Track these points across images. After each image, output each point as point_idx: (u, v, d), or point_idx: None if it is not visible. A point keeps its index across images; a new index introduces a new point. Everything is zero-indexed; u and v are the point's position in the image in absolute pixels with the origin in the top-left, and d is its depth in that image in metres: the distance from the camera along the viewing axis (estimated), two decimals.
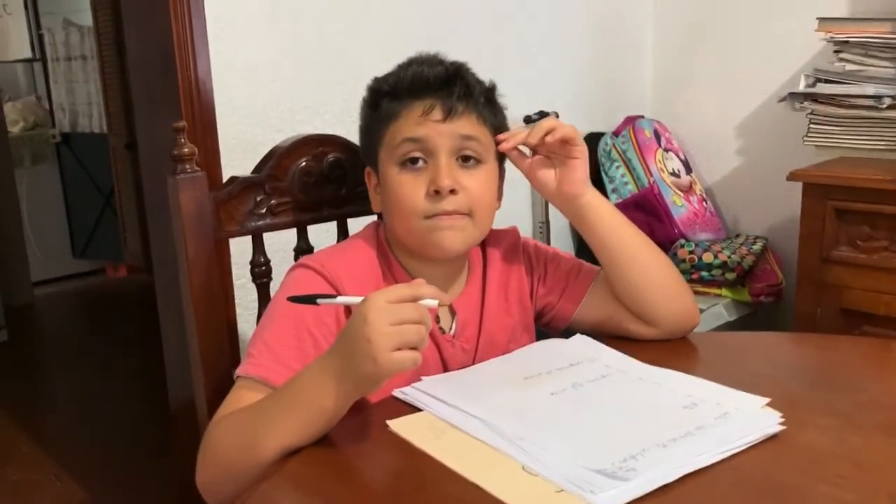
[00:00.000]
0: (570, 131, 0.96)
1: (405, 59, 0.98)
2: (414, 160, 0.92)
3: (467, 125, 0.93)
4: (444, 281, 0.99)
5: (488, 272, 1.03)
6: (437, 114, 0.92)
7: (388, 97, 0.95)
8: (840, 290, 1.67)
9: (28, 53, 4.76)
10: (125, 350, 3.42)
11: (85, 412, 2.85)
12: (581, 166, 0.98)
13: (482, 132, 0.95)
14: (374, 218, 1.07)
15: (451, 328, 0.99)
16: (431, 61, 0.96)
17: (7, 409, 2.84)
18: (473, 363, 0.99)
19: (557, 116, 2.17)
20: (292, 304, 0.84)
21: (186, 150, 0.97)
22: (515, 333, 1.03)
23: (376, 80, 0.99)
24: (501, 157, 1.00)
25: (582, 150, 0.97)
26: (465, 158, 0.93)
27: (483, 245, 1.04)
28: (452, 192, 0.91)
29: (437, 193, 0.90)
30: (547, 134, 0.96)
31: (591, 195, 1.00)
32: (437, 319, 0.98)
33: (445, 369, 0.97)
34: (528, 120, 2.11)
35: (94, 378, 3.16)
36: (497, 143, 0.98)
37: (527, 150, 1.01)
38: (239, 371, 0.87)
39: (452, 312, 0.99)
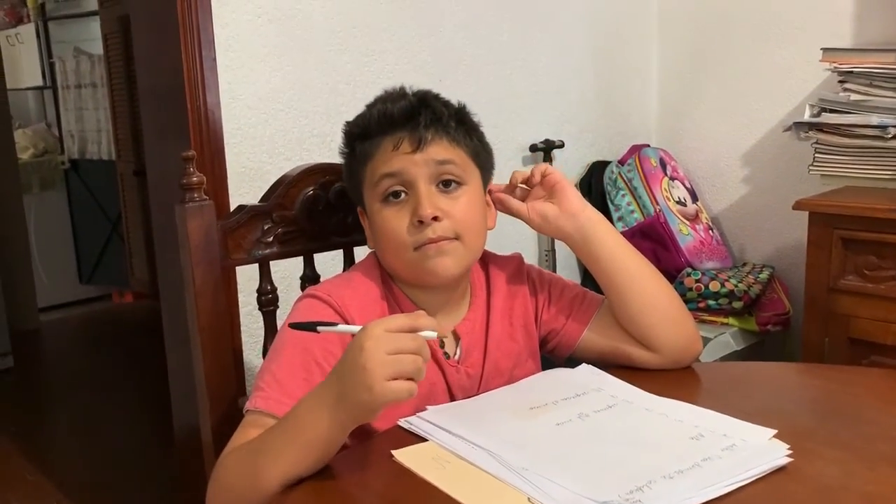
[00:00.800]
0: (547, 167, 1.01)
1: (374, 99, 1.00)
2: (396, 194, 0.93)
3: (440, 150, 0.94)
4: (447, 307, 0.99)
5: (492, 298, 1.03)
6: (407, 146, 0.93)
7: (359, 139, 0.97)
8: (847, 319, 1.66)
9: (39, 81, 4.82)
10: (130, 376, 3.42)
11: (89, 439, 2.84)
12: (571, 188, 1.01)
13: (457, 154, 0.95)
14: None
15: (455, 353, 0.99)
16: (395, 97, 0.97)
17: (11, 434, 2.84)
18: (479, 389, 0.98)
19: (562, 146, 2.18)
20: (300, 336, 0.84)
21: (195, 178, 0.97)
22: (521, 359, 1.03)
23: (347, 124, 1.01)
24: (486, 178, 1.01)
25: (563, 177, 1.01)
26: (446, 183, 0.94)
27: (486, 270, 1.05)
28: (436, 219, 0.91)
29: (420, 223, 0.91)
30: (539, 178, 1.01)
31: (592, 212, 1.02)
32: (442, 344, 0.98)
33: (451, 395, 0.97)
34: (534, 148, 2.13)
35: (98, 404, 3.15)
36: (490, 193, 1.01)
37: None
38: (248, 405, 0.87)
39: (457, 338, 0.99)
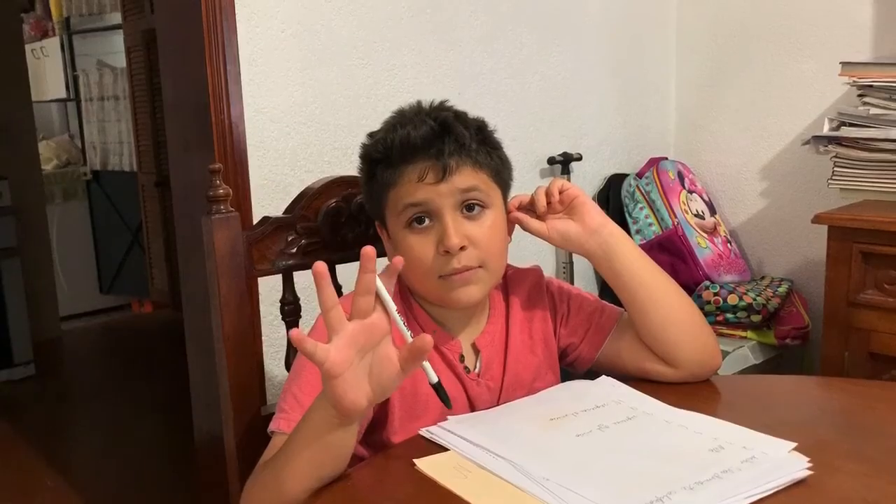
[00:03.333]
0: (564, 183, 1.01)
1: (392, 115, 0.99)
2: (420, 220, 0.93)
3: (464, 178, 0.93)
4: (466, 321, 1.00)
5: (511, 311, 1.04)
6: (432, 177, 0.92)
7: (381, 165, 0.96)
8: (867, 333, 1.65)
9: (63, 94, 4.90)
10: (150, 385, 3.45)
11: (110, 447, 2.87)
12: (590, 204, 1.01)
13: (481, 178, 0.95)
14: None
15: (475, 367, 1.00)
16: (416, 120, 0.95)
17: (33, 442, 2.87)
18: (499, 402, 0.99)
19: (580, 159, 2.19)
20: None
21: (221, 191, 0.99)
22: (540, 372, 1.04)
23: (366, 146, 0.99)
24: (506, 194, 1.01)
25: (582, 191, 1.01)
26: (469, 207, 0.94)
27: (505, 283, 1.05)
28: (462, 248, 0.91)
29: (447, 253, 0.91)
30: (556, 194, 1.01)
31: (613, 227, 1.02)
32: (462, 358, 0.99)
33: (472, 408, 0.98)
34: (552, 161, 2.14)
35: (119, 413, 3.18)
36: (509, 213, 1.01)
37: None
38: (272, 427, 0.88)
39: (476, 351, 1.00)
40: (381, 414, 0.93)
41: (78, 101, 4.78)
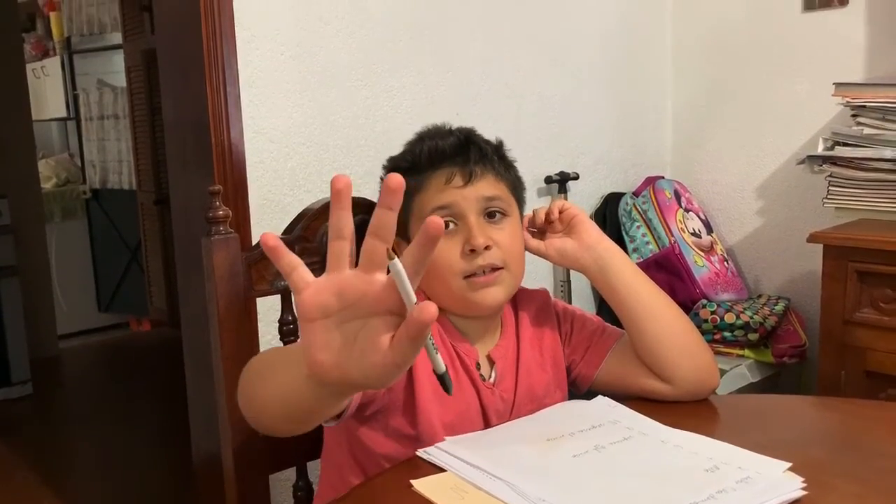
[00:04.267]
0: (564, 204, 1.05)
1: (415, 135, 1.05)
2: (445, 224, 0.97)
3: (487, 186, 0.99)
4: (483, 333, 1.03)
5: (521, 328, 1.06)
6: (459, 180, 0.98)
7: (408, 172, 0.99)
8: (864, 352, 1.66)
9: (63, 113, 4.93)
10: (148, 403, 3.45)
11: (107, 466, 2.86)
12: (588, 221, 1.04)
13: (501, 189, 1.01)
14: None
15: (491, 377, 1.02)
16: (441, 133, 1.03)
17: (30, 462, 2.86)
18: (511, 415, 1.01)
19: (577, 178, 2.21)
20: None
21: (221, 212, 1.00)
22: (550, 389, 1.05)
23: (392, 159, 1.06)
24: (521, 211, 1.06)
25: (581, 210, 1.05)
26: (491, 214, 0.99)
27: (514, 302, 1.07)
28: (486, 248, 0.96)
29: (472, 252, 0.95)
30: (557, 214, 1.05)
31: (609, 244, 1.04)
32: (478, 366, 1.01)
33: (484, 416, 0.99)
34: (550, 180, 2.15)
35: (117, 432, 3.17)
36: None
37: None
38: None
39: (491, 362, 1.03)
40: (403, 401, 0.95)
41: (78, 119, 4.80)
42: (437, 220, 0.56)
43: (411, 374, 0.95)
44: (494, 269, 0.96)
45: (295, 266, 0.60)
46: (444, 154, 0.99)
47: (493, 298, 0.97)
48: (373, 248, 0.57)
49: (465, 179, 0.98)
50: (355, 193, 1.11)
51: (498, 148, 1.05)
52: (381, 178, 1.07)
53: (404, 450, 0.92)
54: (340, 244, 0.58)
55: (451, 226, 0.97)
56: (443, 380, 0.64)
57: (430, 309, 0.55)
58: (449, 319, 1.01)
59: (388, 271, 0.57)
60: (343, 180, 0.57)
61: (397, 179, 0.56)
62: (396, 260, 0.57)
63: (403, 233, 1.02)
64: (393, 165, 1.05)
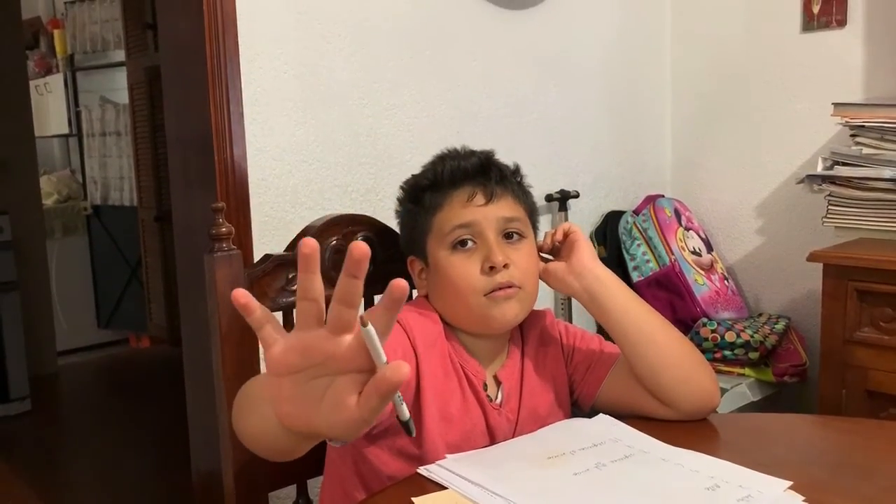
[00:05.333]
0: (571, 226, 1.07)
1: (435, 157, 1.07)
2: (464, 242, 0.99)
3: (507, 207, 1.01)
4: (492, 353, 1.04)
5: (526, 349, 1.07)
6: (480, 199, 1.00)
7: (429, 191, 1.03)
8: (864, 371, 1.66)
9: (65, 129, 4.95)
10: (148, 420, 3.43)
11: (106, 483, 2.85)
12: (585, 246, 1.05)
13: (519, 211, 1.03)
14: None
15: (497, 397, 1.02)
16: (463, 154, 1.05)
17: (28, 479, 2.85)
18: (514, 434, 1.01)
19: (577, 196, 2.21)
20: None
21: (224, 229, 1.01)
22: (553, 409, 1.06)
23: (414, 177, 1.07)
24: (535, 235, 1.07)
25: (582, 235, 1.06)
26: (509, 235, 1.01)
27: (520, 324, 1.08)
28: (505, 266, 0.97)
29: (492, 269, 0.97)
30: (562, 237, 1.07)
31: (601, 270, 1.04)
32: (485, 387, 1.01)
33: (490, 436, 1.00)
34: (550, 198, 2.16)
35: (115, 449, 3.16)
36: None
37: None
38: None
39: (498, 382, 1.03)
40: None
41: (80, 136, 4.82)
42: (401, 283, 0.57)
43: (418, 393, 0.95)
44: (511, 285, 0.98)
45: (264, 323, 0.61)
46: (466, 173, 1.02)
47: (511, 314, 0.99)
48: (339, 315, 0.58)
49: (487, 198, 1.00)
50: (356, 210, 1.13)
51: (516, 172, 1.08)
52: (399, 199, 1.09)
53: (409, 469, 0.92)
54: (307, 304, 0.59)
55: (471, 244, 0.99)
56: (406, 426, 0.65)
57: (403, 370, 0.56)
58: (459, 340, 1.02)
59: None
60: (310, 244, 0.58)
61: (361, 249, 0.56)
62: (370, 327, 0.58)
63: (421, 251, 1.04)
64: (413, 183, 1.06)
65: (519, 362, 1.06)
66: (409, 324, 0.98)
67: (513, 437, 1.01)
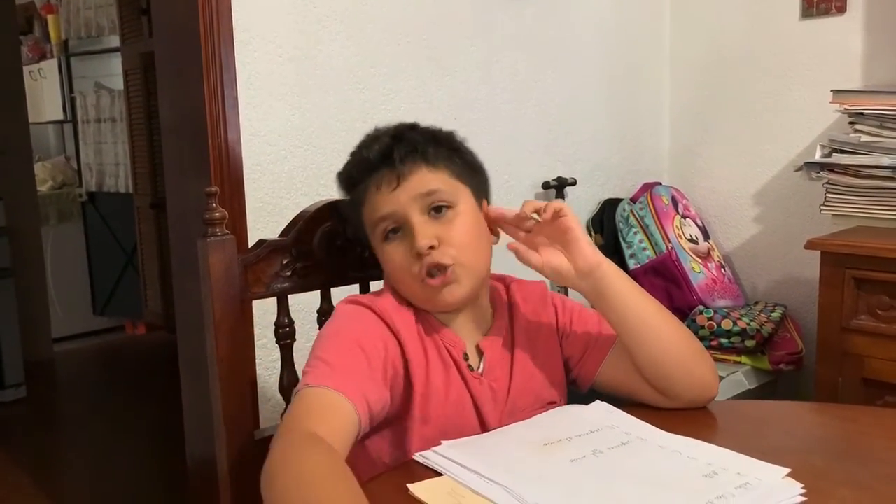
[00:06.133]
0: (563, 208, 0.98)
1: (355, 147, 1.04)
2: (395, 230, 0.97)
3: (420, 182, 0.96)
4: (471, 322, 1.02)
5: (515, 320, 1.05)
6: (390, 184, 0.96)
7: (348, 187, 1.03)
8: (861, 359, 1.66)
9: (60, 115, 4.92)
10: (143, 407, 3.43)
11: (102, 470, 2.85)
12: (583, 240, 0.98)
13: (439, 178, 0.97)
14: None
15: (479, 367, 1.01)
16: (370, 141, 1.01)
17: (23, 466, 2.84)
18: (506, 405, 1.00)
19: (575, 184, 2.20)
20: (343, 330, 0.91)
21: (217, 214, 1.00)
22: (546, 384, 1.04)
23: (337, 175, 1.06)
24: (478, 195, 1.02)
25: (577, 223, 0.99)
26: (437, 209, 0.96)
27: (508, 293, 1.07)
28: (432, 248, 0.94)
29: (419, 255, 0.94)
30: (544, 213, 0.99)
31: (608, 265, 1.00)
32: (466, 357, 1.00)
33: (476, 407, 0.98)
34: (547, 186, 2.15)
35: (111, 436, 3.16)
36: (490, 215, 1.02)
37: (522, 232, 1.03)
38: (297, 388, 0.88)
39: (480, 352, 1.01)
40: (402, 402, 0.95)
41: (75, 122, 4.79)
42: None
43: (408, 380, 0.94)
44: (440, 266, 0.94)
45: None
46: (369, 164, 0.98)
47: (453, 297, 0.96)
48: None
49: (394, 183, 0.95)
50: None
51: (435, 136, 1.01)
52: (339, 189, 1.07)
53: (403, 456, 0.92)
54: None
55: (399, 231, 0.96)
56: None
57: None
58: (431, 313, 1.00)
59: None
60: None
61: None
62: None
63: (366, 240, 1.03)
64: (337, 181, 1.06)
65: (507, 334, 1.03)
66: (386, 312, 0.95)
67: (505, 409, 0.99)
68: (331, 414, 0.84)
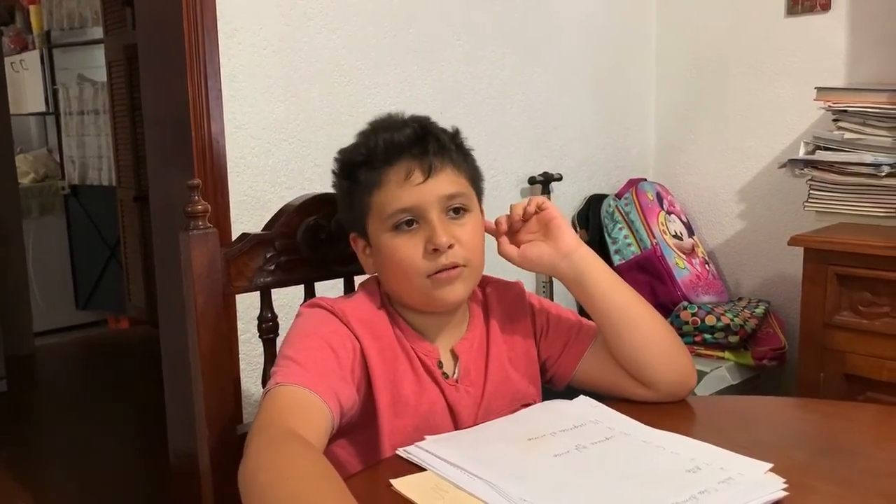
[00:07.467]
0: (544, 201, 1.02)
1: (367, 126, 1.01)
2: (409, 223, 0.95)
3: (447, 182, 0.95)
4: (445, 327, 1.01)
5: (491, 321, 1.04)
6: (419, 176, 0.94)
7: (364, 167, 0.97)
8: (843, 355, 1.67)
9: (42, 107, 4.87)
10: (125, 402, 3.41)
11: (83, 465, 2.82)
12: (566, 226, 1.01)
13: (461, 183, 0.97)
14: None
15: (454, 373, 1.00)
16: (396, 124, 0.98)
17: (4, 461, 2.82)
18: (480, 408, 0.99)
19: (561, 179, 2.21)
20: (310, 331, 0.90)
21: (200, 207, 0.99)
22: (522, 384, 1.04)
23: (345, 151, 1.01)
24: (480, 200, 1.03)
25: (559, 213, 1.02)
26: (455, 210, 0.96)
27: (484, 294, 1.06)
28: (450, 246, 0.93)
29: (435, 251, 0.93)
30: (534, 210, 1.02)
31: (586, 251, 1.02)
32: (440, 364, 0.99)
33: (452, 413, 0.98)
34: (533, 181, 2.15)
35: (93, 431, 3.13)
36: (496, 227, 1.03)
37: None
38: (267, 387, 0.87)
39: (455, 357, 1.00)
40: (367, 410, 0.93)
41: (57, 114, 4.74)
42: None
43: (369, 381, 0.93)
44: (456, 266, 0.94)
45: None
46: (400, 147, 0.95)
47: (454, 295, 0.95)
48: None
49: (425, 175, 0.94)
50: (333, 191, 1.11)
51: (455, 136, 1.00)
52: (333, 171, 1.03)
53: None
54: None
55: (414, 224, 0.95)
56: None
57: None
58: (407, 320, 0.99)
59: None
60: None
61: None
62: None
63: (363, 230, 0.99)
64: (346, 159, 1.00)
65: (482, 335, 1.03)
66: (344, 313, 0.94)
67: (479, 410, 0.99)
68: (305, 411, 0.84)
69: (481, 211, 1.03)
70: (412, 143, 0.95)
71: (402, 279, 0.96)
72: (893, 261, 1.58)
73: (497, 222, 1.04)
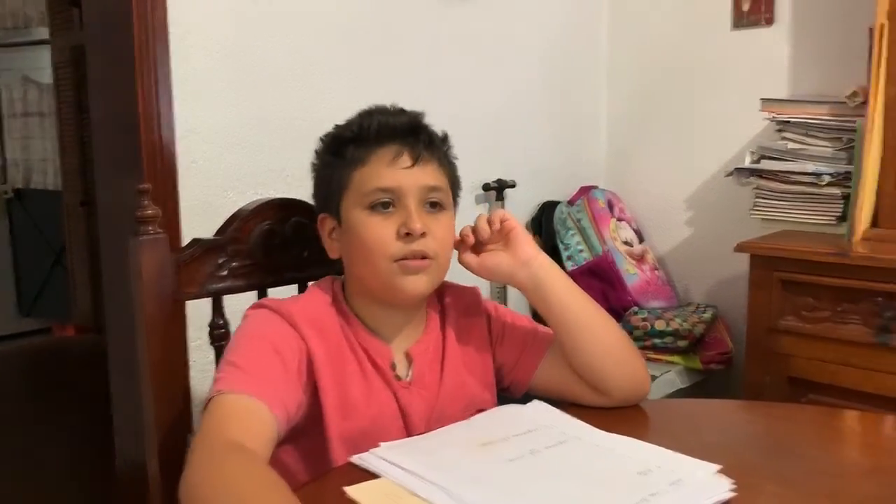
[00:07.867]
0: (505, 214, 1.03)
1: (362, 110, 1.02)
2: (385, 204, 0.95)
3: (431, 174, 0.97)
4: (402, 326, 1.01)
5: (447, 325, 1.04)
6: (406, 160, 0.96)
7: (353, 144, 0.98)
8: (787, 358, 1.72)
9: None
10: (71, 411, 3.32)
11: (27, 475, 2.74)
12: (525, 236, 1.03)
13: (443, 181, 0.99)
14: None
15: (407, 375, 0.99)
16: (392, 111, 1.01)
17: None
18: (434, 412, 0.99)
19: (514, 186, 2.22)
20: (255, 334, 0.89)
21: (150, 212, 0.97)
22: (477, 389, 1.04)
23: (338, 127, 1.02)
24: (455, 205, 1.04)
25: (518, 224, 1.03)
26: (432, 204, 0.97)
27: (441, 298, 1.06)
28: (422, 234, 0.94)
29: (407, 235, 0.93)
30: (493, 223, 1.03)
31: (544, 259, 1.03)
32: (393, 366, 0.98)
33: (403, 416, 0.97)
34: (487, 187, 2.16)
35: (37, 440, 3.04)
36: (462, 240, 1.03)
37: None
38: (210, 394, 0.85)
39: (409, 360, 1.00)
40: (314, 413, 0.92)
41: (0, 117, 4.60)
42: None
43: (314, 383, 0.92)
44: (425, 257, 0.95)
45: None
46: (394, 130, 0.97)
47: (417, 287, 0.95)
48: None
49: (412, 160, 0.95)
50: (290, 195, 1.10)
51: (445, 139, 1.03)
52: (316, 151, 1.04)
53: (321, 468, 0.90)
54: None
55: (391, 207, 0.95)
56: None
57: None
58: (360, 319, 0.99)
59: None
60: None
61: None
62: None
63: (335, 208, 0.99)
64: (336, 133, 1.01)
65: (438, 339, 1.03)
66: (290, 314, 0.93)
67: (433, 414, 0.99)
68: (249, 420, 0.82)
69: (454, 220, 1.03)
70: (406, 131, 0.97)
71: (368, 261, 0.95)
72: (834, 267, 1.63)
73: (463, 235, 1.03)
